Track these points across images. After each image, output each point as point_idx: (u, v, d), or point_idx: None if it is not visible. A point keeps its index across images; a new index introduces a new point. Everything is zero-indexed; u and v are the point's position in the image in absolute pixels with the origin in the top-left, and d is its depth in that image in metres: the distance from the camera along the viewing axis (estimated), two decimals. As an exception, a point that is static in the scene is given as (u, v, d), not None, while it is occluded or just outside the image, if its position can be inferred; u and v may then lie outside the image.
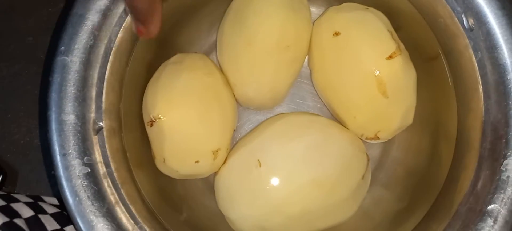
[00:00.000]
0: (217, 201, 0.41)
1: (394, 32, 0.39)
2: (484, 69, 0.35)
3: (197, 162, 0.39)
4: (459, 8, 0.35)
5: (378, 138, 0.40)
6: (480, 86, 0.35)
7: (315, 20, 0.42)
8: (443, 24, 0.37)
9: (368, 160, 0.40)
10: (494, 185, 0.34)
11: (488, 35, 0.35)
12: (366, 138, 0.41)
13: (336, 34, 0.39)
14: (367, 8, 0.40)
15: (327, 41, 0.40)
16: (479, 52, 0.35)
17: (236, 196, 0.39)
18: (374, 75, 0.37)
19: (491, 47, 0.34)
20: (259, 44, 0.39)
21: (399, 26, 0.40)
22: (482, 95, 0.35)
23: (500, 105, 0.34)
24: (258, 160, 0.38)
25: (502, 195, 0.33)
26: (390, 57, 0.37)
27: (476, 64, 0.35)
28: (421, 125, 0.41)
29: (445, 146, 0.39)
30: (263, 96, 0.41)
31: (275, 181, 0.37)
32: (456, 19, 0.36)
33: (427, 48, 0.40)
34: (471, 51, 0.35)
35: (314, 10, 0.43)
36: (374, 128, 0.40)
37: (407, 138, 0.42)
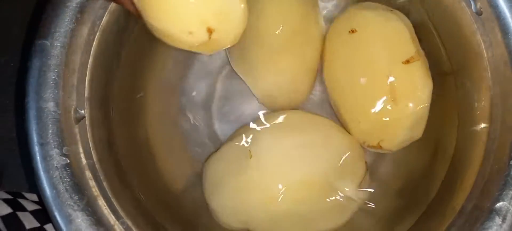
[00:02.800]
0: (203, 187, 0.39)
1: (416, 38, 0.36)
2: (493, 56, 0.33)
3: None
4: (466, -9, 0.33)
5: (380, 147, 0.38)
6: (489, 75, 0.33)
7: (335, 17, 0.40)
8: (449, 9, 0.35)
9: (367, 170, 0.38)
10: (502, 181, 0.31)
11: (499, 19, 0.32)
12: (368, 146, 0.38)
13: (352, 31, 0.37)
14: (392, 10, 0.37)
15: (342, 38, 0.38)
16: (488, 37, 0.33)
17: (220, 184, 0.37)
18: (386, 78, 0.35)
19: (502, 32, 0.32)
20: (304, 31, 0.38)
21: (419, 38, 0.37)
22: (490, 83, 0.33)
23: (510, 94, 0.32)
24: (250, 150, 0.36)
25: (511, 192, 0.31)
26: (407, 61, 0.35)
27: (484, 50, 0.33)
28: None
29: (448, 139, 0.37)
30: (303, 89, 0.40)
31: (263, 175, 0.36)
32: (464, 3, 0.34)
33: (441, 62, 0.37)
34: (479, 37, 0.33)
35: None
36: (378, 135, 0.37)
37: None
